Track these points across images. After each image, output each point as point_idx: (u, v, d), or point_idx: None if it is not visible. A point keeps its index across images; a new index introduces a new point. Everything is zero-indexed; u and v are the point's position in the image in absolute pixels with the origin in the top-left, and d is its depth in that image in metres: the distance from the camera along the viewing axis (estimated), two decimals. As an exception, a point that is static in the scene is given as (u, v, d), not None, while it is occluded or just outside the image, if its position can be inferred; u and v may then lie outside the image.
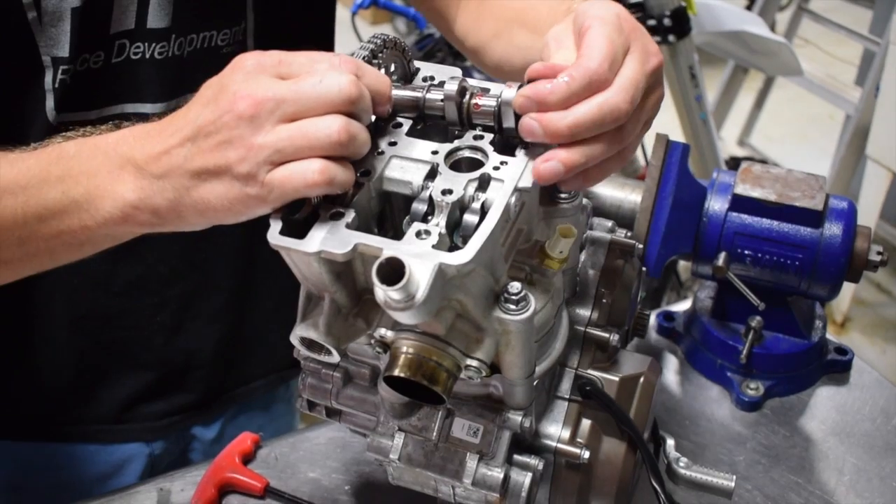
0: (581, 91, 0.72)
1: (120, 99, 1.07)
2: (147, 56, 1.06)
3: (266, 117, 0.69)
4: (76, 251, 0.84)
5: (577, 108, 0.72)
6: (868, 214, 3.08)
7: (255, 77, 0.71)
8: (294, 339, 0.77)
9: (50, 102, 1.02)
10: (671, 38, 2.47)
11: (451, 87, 0.78)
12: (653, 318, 1.38)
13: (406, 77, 0.84)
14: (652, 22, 2.45)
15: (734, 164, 1.19)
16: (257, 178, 0.70)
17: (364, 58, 0.78)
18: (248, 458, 1.14)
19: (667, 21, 2.45)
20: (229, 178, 0.71)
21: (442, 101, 0.78)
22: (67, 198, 0.78)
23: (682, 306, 1.40)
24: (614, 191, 1.23)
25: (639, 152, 2.96)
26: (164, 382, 1.29)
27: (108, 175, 0.76)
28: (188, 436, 1.36)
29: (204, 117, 0.71)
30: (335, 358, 0.78)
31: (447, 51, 2.87)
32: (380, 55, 0.79)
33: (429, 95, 0.79)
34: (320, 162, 0.69)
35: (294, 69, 0.72)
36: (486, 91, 0.79)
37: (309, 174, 0.69)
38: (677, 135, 1.70)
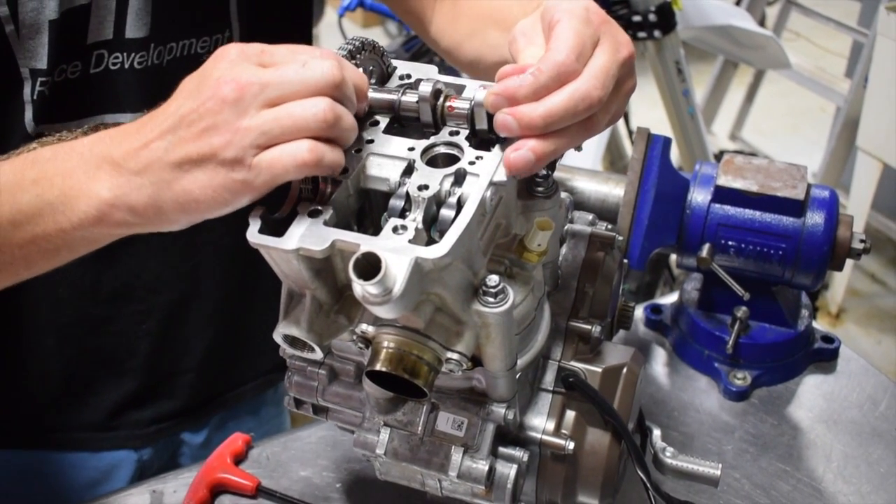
0: (550, 83, 0.72)
1: (99, 109, 1.07)
2: (126, 66, 1.07)
3: (250, 101, 0.69)
4: (52, 257, 0.82)
5: (549, 99, 0.72)
6: (860, 204, 3.09)
7: (238, 64, 0.71)
8: (277, 336, 0.78)
9: (28, 114, 1.02)
10: (657, 33, 2.48)
11: (426, 89, 0.78)
12: (640, 311, 1.38)
13: (383, 79, 0.85)
14: (637, 18, 2.46)
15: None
16: (244, 161, 0.69)
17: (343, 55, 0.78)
18: (239, 459, 1.15)
19: (652, 17, 2.46)
20: (214, 165, 0.70)
21: (416, 103, 0.79)
22: (42, 201, 0.77)
23: (670, 299, 1.41)
24: (598, 185, 1.23)
25: (627, 147, 2.98)
26: (152, 389, 1.29)
27: (84, 175, 0.75)
28: (177, 441, 1.37)
29: (186, 107, 0.71)
30: (318, 355, 0.78)
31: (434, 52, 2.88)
32: (357, 56, 0.80)
33: (404, 98, 0.80)
34: (309, 142, 0.70)
35: (276, 59, 0.72)
36: (461, 89, 0.80)
37: (299, 154, 0.69)
38: (665, 130, 1.71)
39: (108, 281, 1.18)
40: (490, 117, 0.76)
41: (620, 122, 2.92)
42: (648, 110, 3.31)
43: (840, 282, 3.31)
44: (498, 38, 1.04)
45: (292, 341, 0.78)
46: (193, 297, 1.26)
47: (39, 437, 1.27)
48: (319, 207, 0.73)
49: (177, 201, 0.72)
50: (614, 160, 2.99)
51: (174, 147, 0.71)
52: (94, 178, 0.75)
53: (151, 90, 1.07)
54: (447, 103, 0.78)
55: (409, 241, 0.69)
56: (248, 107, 0.69)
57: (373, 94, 0.80)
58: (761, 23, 3.65)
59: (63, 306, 1.18)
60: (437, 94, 0.79)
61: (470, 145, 0.77)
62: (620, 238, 0.96)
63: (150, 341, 1.25)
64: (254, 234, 0.71)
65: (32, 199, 0.77)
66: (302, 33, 1.27)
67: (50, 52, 1.00)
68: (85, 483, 1.29)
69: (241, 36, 1.14)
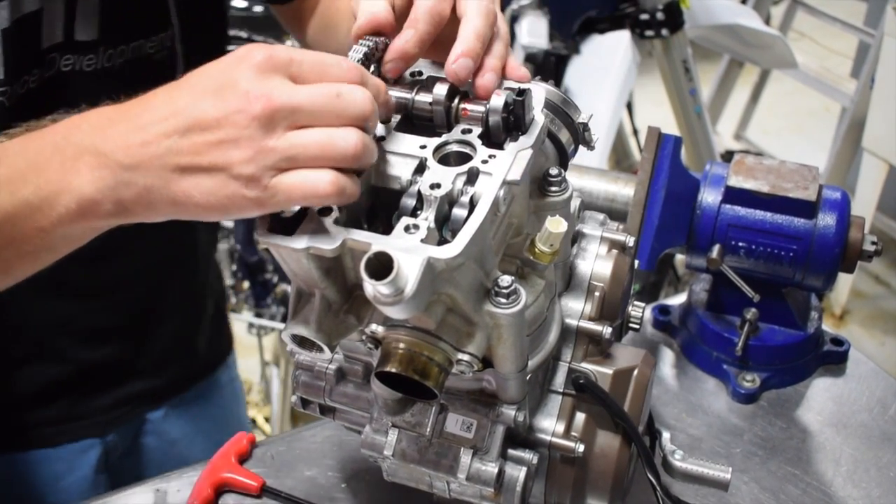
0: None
1: (57, 112, 1.06)
2: (77, 68, 1.05)
3: (279, 121, 0.67)
4: (32, 261, 0.77)
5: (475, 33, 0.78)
6: (865, 206, 3.08)
7: (268, 76, 0.68)
8: (285, 336, 0.77)
9: None
10: (664, 32, 2.47)
11: (441, 90, 0.78)
12: (648, 312, 1.37)
13: None
14: (645, 16, 2.45)
15: (730, 157, 1.18)
16: (261, 181, 0.67)
17: (359, 60, 0.78)
18: (244, 458, 1.14)
19: (660, 15, 2.45)
20: (225, 177, 0.68)
21: (430, 103, 0.78)
22: (16, 199, 0.72)
23: (678, 300, 1.40)
24: (608, 185, 1.22)
25: (633, 146, 2.97)
26: (113, 375, 1.30)
27: (61, 167, 0.71)
28: (139, 420, 1.37)
29: (203, 111, 0.68)
30: (326, 355, 0.77)
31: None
32: (373, 58, 0.79)
33: (417, 97, 0.79)
34: (332, 173, 0.68)
35: (304, 70, 0.70)
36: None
37: (321, 184, 0.67)
38: (672, 129, 1.70)
39: (74, 279, 1.16)
40: (504, 120, 0.76)
41: (625, 120, 2.90)
42: (654, 109, 3.30)
43: (844, 283, 3.30)
44: (339, 42, 1.12)
45: (301, 341, 0.77)
46: (158, 292, 1.28)
47: (8, 440, 1.26)
48: (330, 206, 0.72)
49: (173, 201, 0.70)
50: (620, 159, 2.98)
51: (183, 151, 0.68)
52: (74, 171, 0.71)
53: (106, 91, 1.04)
54: (462, 105, 0.78)
55: (422, 241, 0.68)
56: (276, 127, 0.67)
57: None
58: (766, 22, 3.63)
59: (27, 304, 1.17)
60: (451, 95, 0.78)
61: (482, 143, 0.76)
62: (632, 239, 0.95)
63: (118, 336, 1.27)
64: (263, 234, 0.70)
65: (6, 198, 0.72)
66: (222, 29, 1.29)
67: (6, 62, 0.97)
68: (51, 476, 1.29)
69: (182, 33, 1.14)
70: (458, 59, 0.77)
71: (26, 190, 0.72)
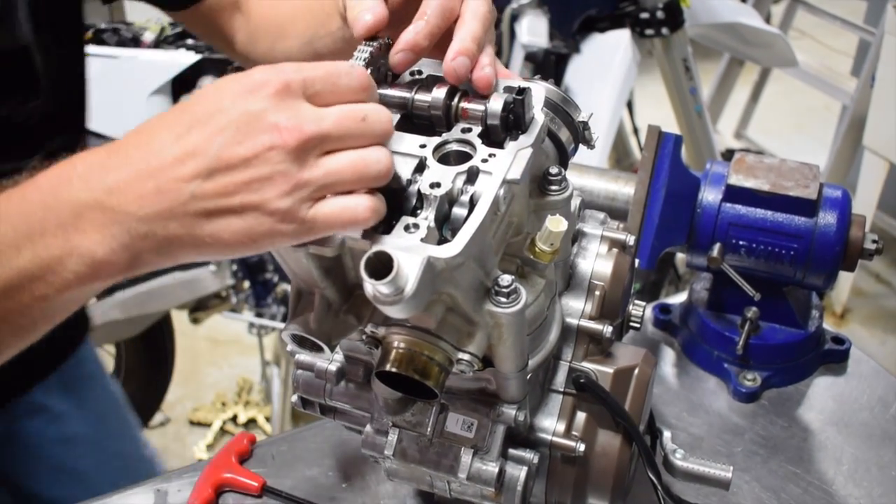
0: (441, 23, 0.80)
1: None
2: None
3: (311, 151, 0.65)
4: (28, 333, 0.71)
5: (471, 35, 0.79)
6: (865, 205, 3.08)
7: (290, 104, 0.65)
8: (285, 335, 0.77)
9: None
10: (664, 30, 2.47)
11: (439, 93, 0.78)
12: (649, 311, 1.37)
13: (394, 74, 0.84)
14: (645, 15, 2.45)
15: (730, 156, 1.18)
16: (297, 214, 0.64)
17: (365, 61, 0.78)
18: (244, 458, 1.14)
19: (660, 14, 2.45)
20: (258, 215, 0.64)
21: (430, 102, 0.78)
22: (10, 270, 0.65)
23: (678, 299, 1.40)
24: (608, 184, 1.22)
25: (633, 145, 2.97)
26: None
27: (61, 230, 0.65)
28: (10, 408, 1.29)
29: (228, 149, 0.63)
30: (326, 354, 0.77)
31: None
32: (379, 61, 0.79)
33: (417, 96, 0.79)
34: (368, 198, 0.66)
35: (319, 89, 0.67)
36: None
37: (360, 211, 0.65)
38: (672, 128, 1.69)
39: None
40: (503, 120, 0.75)
41: (625, 119, 2.90)
42: (654, 108, 3.30)
43: (845, 282, 3.30)
44: (289, 47, 1.10)
45: (300, 341, 0.77)
46: None
47: None
48: None
49: (197, 246, 0.65)
50: (620, 158, 2.97)
51: (209, 194, 0.63)
52: (78, 231, 0.65)
53: None
54: (461, 104, 0.78)
55: (421, 240, 0.68)
56: (309, 157, 0.65)
57: (386, 91, 0.79)
58: (767, 21, 3.63)
59: None
60: (451, 94, 0.78)
61: (482, 142, 0.76)
62: (632, 237, 0.94)
63: None
64: None
65: None
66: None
67: None
68: None
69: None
70: (456, 56, 0.77)
71: (21, 259, 0.66)
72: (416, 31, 0.79)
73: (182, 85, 2.29)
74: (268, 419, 2.85)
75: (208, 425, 2.88)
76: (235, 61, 1.25)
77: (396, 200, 0.73)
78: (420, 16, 0.81)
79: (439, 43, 0.81)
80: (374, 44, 0.79)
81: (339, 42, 1.04)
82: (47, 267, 0.65)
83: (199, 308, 2.62)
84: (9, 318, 0.68)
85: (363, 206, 0.66)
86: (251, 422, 2.89)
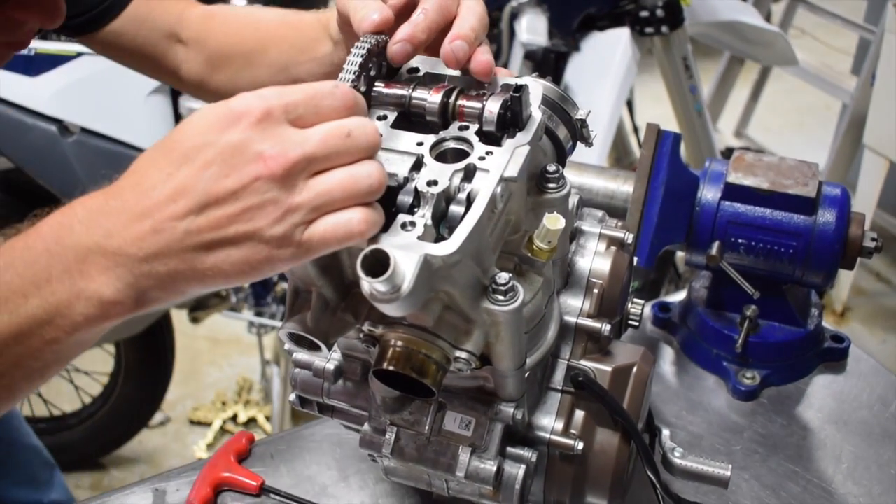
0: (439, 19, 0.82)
1: None
2: None
3: (299, 175, 0.65)
4: (40, 376, 0.72)
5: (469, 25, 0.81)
6: (865, 203, 3.08)
7: (272, 130, 0.65)
8: (282, 334, 0.77)
9: None
10: (664, 29, 2.46)
11: (434, 100, 0.78)
12: (648, 309, 1.37)
13: (391, 72, 0.84)
14: (644, 13, 2.44)
15: (730, 154, 1.18)
16: (292, 239, 0.65)
17: (359, 65, 0.78)
18: (242, 457, 1.14)
19: (660, 12, 2.44)
20: (254, 243, 0.65)
21: (427, 100, 0.78)
22: (19, 317, 0.67)
23: (678, 297, 1.40)
24: (607, 182, 1.22)
25: (633, 143, 2.96)
26: None
27: (66, 276, 0.66)
28: None
29: (216, 183, 0.64)
30: (324, 353, 0.77)
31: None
32: (371, 63, 0.79)
33: (414, 94, 0.79)
34: (361, 210, 0.66)
35: (301, 112, 0.67)
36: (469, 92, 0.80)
37: (354, 225, 0.65)
38: (672, 126, 1.69)
39: None
40: (500, 118, 0.75)
41: (625, 118, 2.90)
42: (655, 106, 3.29)
43: (845, 280, 3.29)
44: (257, 75, 1.11)
45: (297, 339, 0.77)
46: None
47: None
48: None
49: (199, 279, 0.66)
50: (620, 156, 2.97)
51: (203, 228, 0.64)
52: (84, 276, 0.66)
53: None
54: (459, 102, 0.77)
55: (418, 238, 0.68)
56: (297, 180, 0.65)
57: (383, 90, 0.79)
58: (767, 19, 3.62)
59: None
60: (448, 92, 0.78)
61: (480, 140, 0.76)
62: (630, 235, 0.94)
63: None
64: None
65: (4, 319, 0.67)
66: None
67: None
68: None
69: None
70: (454, 40, 0.79)
71: (29, 306, 0.67)
72: (414, 24, 0.81)
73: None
74: (268, 418, 2.85)
75: (208, 425, 2.87)
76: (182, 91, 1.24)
77: (393, 198, 0.73)
78: (418, 11, 0.82)
79: (435, 46, 0.81)
80: (373, 39, 0.79)
81: (325, 66, 1.04)
82: (56, 311, 0.67)
83: (199, 307, 2.62)
84: (21, 363, 0.69)
85: (356, 219, 0.65)
86: (251, 421, 2.89)
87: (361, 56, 0.77)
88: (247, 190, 0.64)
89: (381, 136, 0.70)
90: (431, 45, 0.83)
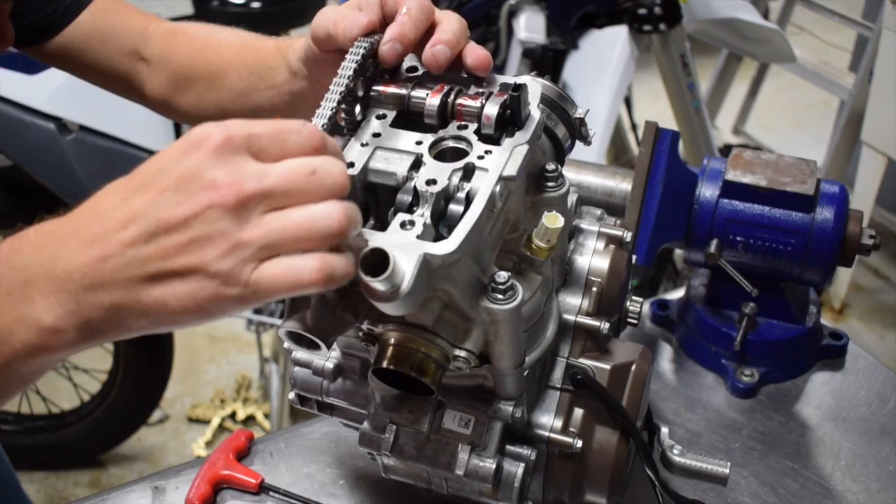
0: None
1: None
2: None
3: (253, 209, 0.61)
4: None
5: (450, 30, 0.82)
6: (864, 200, 3.08)
7: (230, 160, 0.62)
8: (282, 333, 0.77)
9: None
10: (662, 26, 2.46)
11: (433, 102, 0.78)
12: (647, 307, 1.37)
13: (389, 71, 0.84)
14: (642, 11, 2.44)
15: (728, 152, 1.18)
16: (240, 277, 0.61)
17: (357, 60, 0.78)
18: (242, 455, 1.14)
19: (657, 9, 2.44)
20: (200, 278, 0.61)
21: (426, 100, 0.79)
22: None
23: (676, 295, 1.40)
24: (605, 180, 1.22)
25: (631, 141, 2.97)
26: None
27: (9, 299, 0.63)
28: None
29: (167, 210, 0.61)
30: (323, 352, 0.77)
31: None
32: (367, 69, 0.80)
33: (413, 93, 0.79)
34: (317, 257, 0.62)
35: (264, 144, 0.64)
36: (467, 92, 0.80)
37: (305, 273, 0.61)
38: (670, 124, 1.69)
39: None
40: (499, 118, 0.75)
41: (623, 115, 2.90)
42: (653, 103, 3.29)
43: (843, 277, 3.29)
44: (219, 98, 1.10)
45: (297, 338, 0.77)
46: None
47: None
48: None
49: (145, 313, 0.63)
50: (618, 154, 2.97)
51: (150, 257, 0.61)
52: (25, 300, 0.63)
53: None
54: (457, 100, 0.78)
55: (417, 237, 0.68)
56: (251, 215, 0.61)
57: (382, 89, 0.80)
58: (765, 17, 3.62)
59: None
60: (448, 92, 0.78)
61: (479, 139, 0.76)
62: (629, 234, 0.94)
63: None
64: None
65: None
66: None
67: None
68: None
69: None
70: (436, 44, 0.80)
71: None
72: (400, 24, 0.81)
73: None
74: (267, 416, 2.85)
75: (207, 422, 2.87)
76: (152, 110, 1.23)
77: (392, 197, 0.73)
78: (402, 12, 0.83)
79: (419, 52, 0.82)
80: (366, 44, 0.80)
81: (284, 95, 1.02)
82: None
83: (198, 305, 2.61)
84: None
85: (309, 267, 0.61)
86: (250, 419, 2.89)
87: (356, 62, 0.78)
88: (198, 219, 0.61)
89: (346, 183, 0.65)
90: (415, 51, 0.83)
